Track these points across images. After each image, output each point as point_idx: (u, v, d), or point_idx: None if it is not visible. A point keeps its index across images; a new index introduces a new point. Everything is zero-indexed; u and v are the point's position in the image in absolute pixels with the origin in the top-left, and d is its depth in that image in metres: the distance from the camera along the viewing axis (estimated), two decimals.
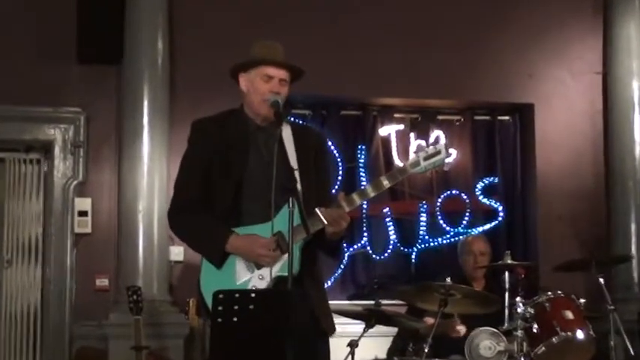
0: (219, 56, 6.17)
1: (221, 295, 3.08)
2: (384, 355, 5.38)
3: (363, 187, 3.59)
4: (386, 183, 3.54)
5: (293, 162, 3.52)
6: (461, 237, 6.46)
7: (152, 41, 6.38)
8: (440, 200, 7.08)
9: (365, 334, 4.84)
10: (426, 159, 3.55)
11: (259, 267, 3.49)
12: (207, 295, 3.43)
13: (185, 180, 3.65)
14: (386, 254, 6.98)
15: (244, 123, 3.65)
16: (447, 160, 3.56)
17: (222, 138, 3.61)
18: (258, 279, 3.48)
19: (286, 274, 3.30)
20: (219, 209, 3.57)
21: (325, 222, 3.45)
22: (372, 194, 3.53)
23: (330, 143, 6.70)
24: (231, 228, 3.54)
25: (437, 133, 7.09)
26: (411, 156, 3.61)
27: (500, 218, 7.15)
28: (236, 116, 3.68)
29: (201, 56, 6.58)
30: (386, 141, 7.08)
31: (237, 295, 3.08)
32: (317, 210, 3.46)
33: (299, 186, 3.41)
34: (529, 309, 4.83)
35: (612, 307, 5.27)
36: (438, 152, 3.56)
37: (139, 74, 6.34)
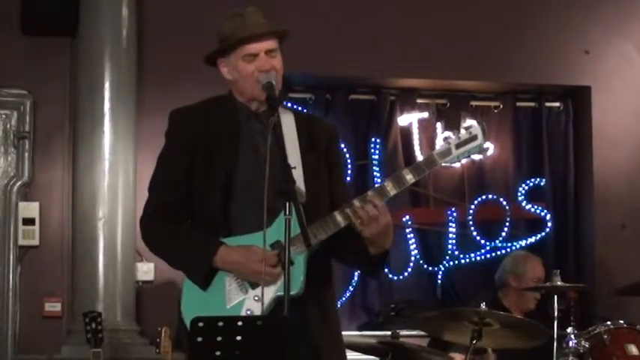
0: (198, 28, 6.19)
1: (200, 323, 3.08)
2: None
3: (380, 184, 3.56)
4: (410, 177, 3.50)
5: (294, 157, 3.52)
6: (498, 252, 6.48)
7: (115, 8, 6.41)
8: (473, 207, 7.11)
9: None
10: (458, 146, 3.52)
11: (254, 286, 3.48)
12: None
13: (163, 181, 3.66)
14: (405, 273, 7.01)
15: (234, 110, 3.67)
16: (485, 147, 3.54)
17: (208, 130, 3.63)
18: (253, 301, 3.47)
19: (290, 293, 3.29)
20: (204, 216, 3.59)
21: (358, 225, 3.40)
22: (392, 192, 3.49)
23: None
24: (219, 238, 3.54)
25: (470, 123, 7.09)
26: (440, 145, 3.54)
27: (547, 229, 7.18)
28: (224, 103, 3.70)
29: (175, 28, 6.60)
30: (406, 132, 7.11)
31: (220, 322, 3.09)
32: (346, 209, 3.43)
33: (302, 187, 3.43)
34: (583, 342, 4.85)
35: None
36: (474, 137, 3.53)
37: (98, 49, 6.36)
